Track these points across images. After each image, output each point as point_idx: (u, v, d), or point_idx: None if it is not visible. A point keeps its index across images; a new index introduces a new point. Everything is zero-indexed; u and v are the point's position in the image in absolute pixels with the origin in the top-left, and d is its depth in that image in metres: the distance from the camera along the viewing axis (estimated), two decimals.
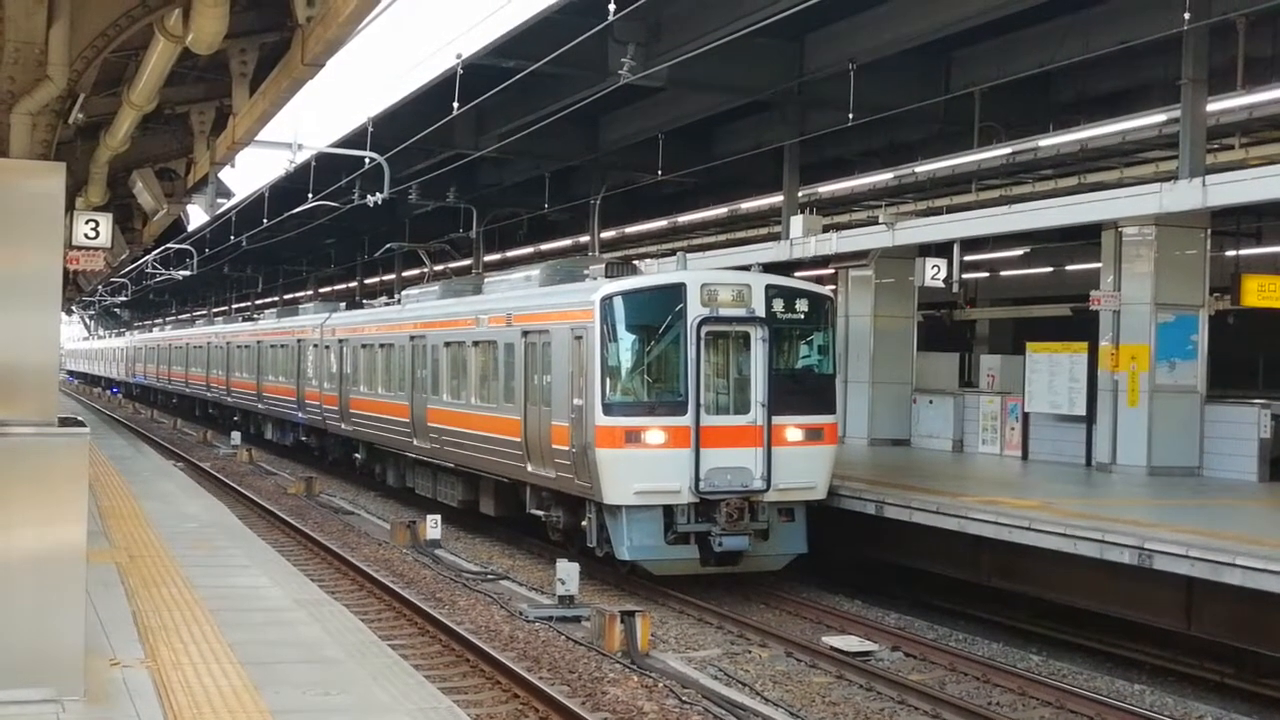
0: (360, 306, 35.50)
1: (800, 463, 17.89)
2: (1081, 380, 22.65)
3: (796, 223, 27.05)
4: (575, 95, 24.57)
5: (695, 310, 17.56)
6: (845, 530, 18.96)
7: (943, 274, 24.89)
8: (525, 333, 19.96)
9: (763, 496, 17.64)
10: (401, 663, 10.17)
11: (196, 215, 32.63)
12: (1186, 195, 18.93)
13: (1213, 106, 19.87)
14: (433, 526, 21.36)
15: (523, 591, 17.93)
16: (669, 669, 13.75)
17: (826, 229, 27.50)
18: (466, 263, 42.83)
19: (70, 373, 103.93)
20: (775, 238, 29.42)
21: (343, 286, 62.06)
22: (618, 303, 17.72)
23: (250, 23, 11.86)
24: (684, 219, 38.11)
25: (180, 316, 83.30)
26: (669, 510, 17.42)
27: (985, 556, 17.13)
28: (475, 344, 22.38)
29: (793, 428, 17.95)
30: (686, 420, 17.42)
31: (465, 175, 34.69)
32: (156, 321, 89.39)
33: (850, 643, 15.21)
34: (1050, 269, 34.35)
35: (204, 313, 72.50)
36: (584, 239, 38.00)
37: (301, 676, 9.31)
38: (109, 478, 22.74)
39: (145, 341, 70.66)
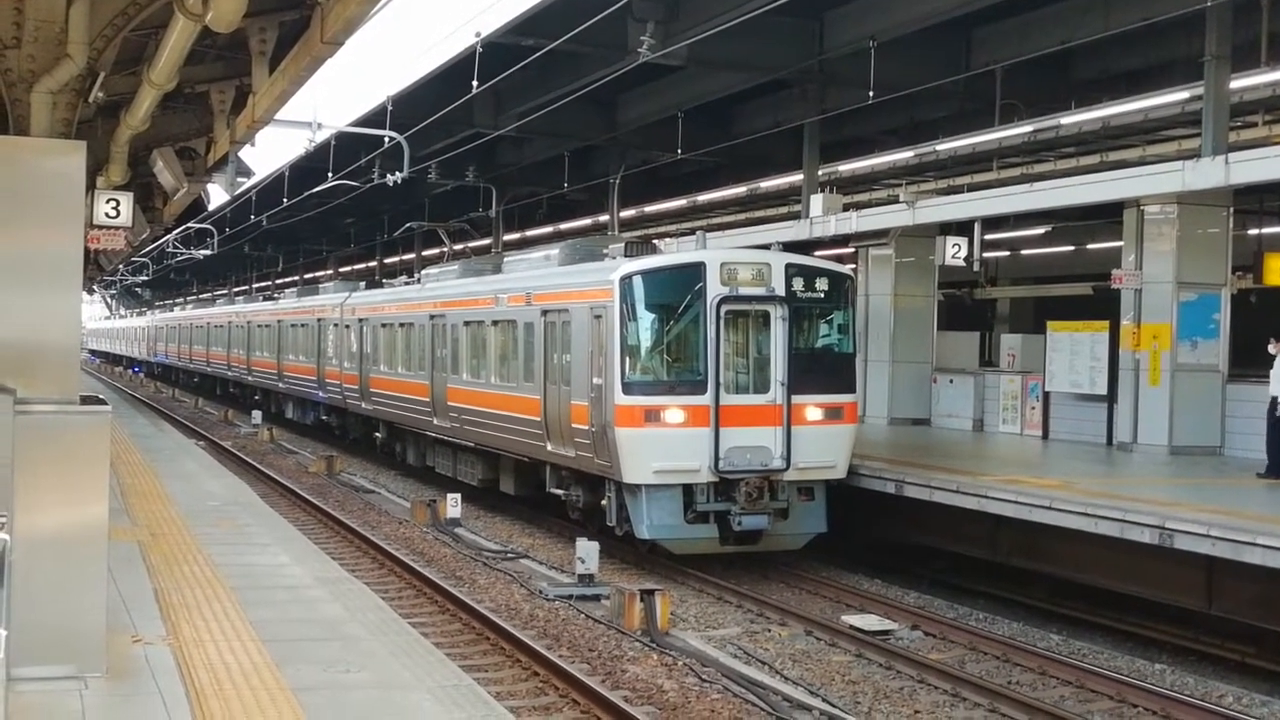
0: (380, 286, 35.55)
1: (820, 442, 17.87)
2: (1102, 359, 22.56)
3: (816, 201, 26.99)
4: (594, 74, 24.52)
5: (715, 289, 17.53)
6: (865, 509, 18.94)
7: (963, 253, 24.80)
8: (545, 312, 19.96)
9: (782, 475, 17.63)
10: (422, 640, 10.20)
11: (217, 194, 32.80)
12: (1209, 173, 18.82)
13: (1236, 84, 19.76)
14: (453, 505, 21.41)
15: (542, 570, 17.96)
16: (689, 647, 13.77)
17: (846, 208, 27.40)
18: (486, 242, 42.87)
19: (92, 352, 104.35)
20: (795, 217, 29.37)
21: (362, 266, 62.18)
22: (637, 282, 17.71)
23: (269, 1, 11.87)
24: (703, 198, 38.05)
25: (201, 296, 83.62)
26: (688, 489, 17.42)
27: (1005, 536, 17.10)
28: (495, 323, 22.39)
29: (812, 407, 17.93)
30: (706, 399, 17.40)
31: (484, 154, 34.68)
32: (177, 301, 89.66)
33: (870, 621, 15.21)
34: (1071, 247, 34.22)
35: (225, 292, 72.73)
36: (603, 218, 37.99)
37: (323, 654, 9.34)
38: (131, 456, 22.83)
39: (166, 321, 70.88)
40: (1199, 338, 21.08)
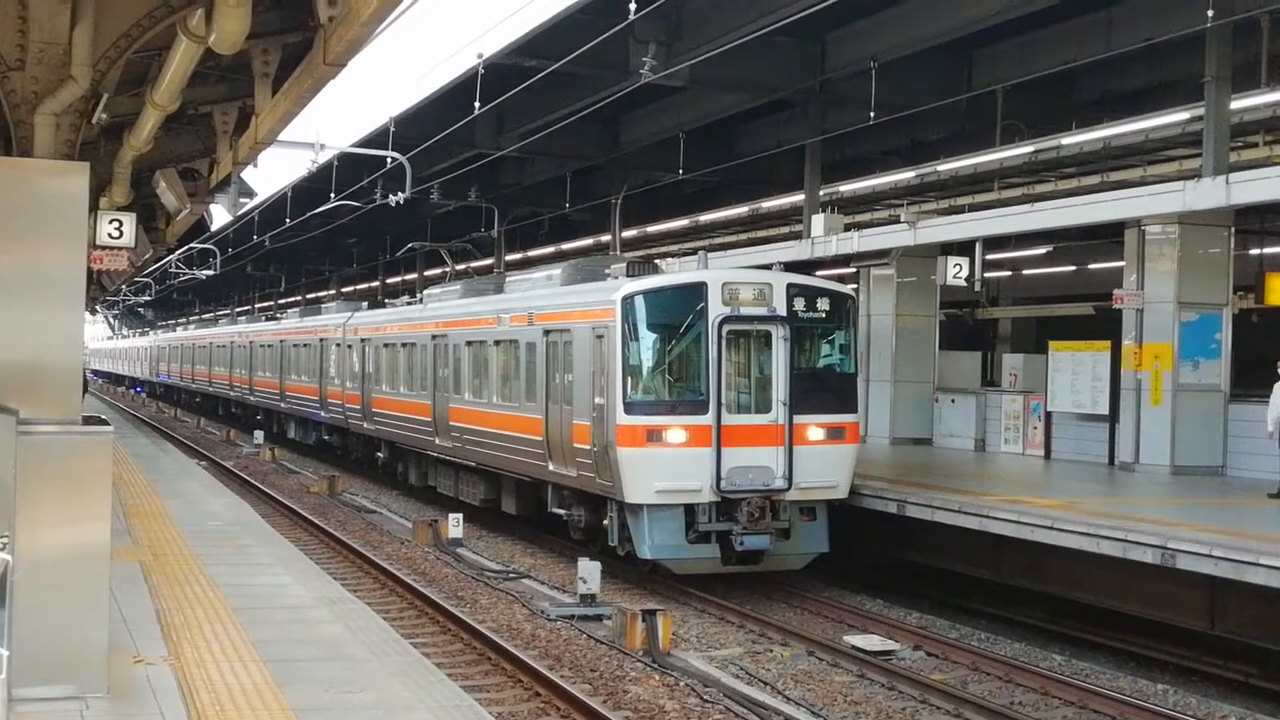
0: (382, 306, 35.59)
1: (822, 462, 17.86)
2: (1104, 379, 22.56)
3: (818, 221, 27.02)
4: (596, 94, 24.59)
5: (716, 309, 17.55)
6: (867, 529, 18.92)
7: (965, 272, 24.82)
8: (547, 332, 19.98)
9: (784, 495, 17.62)
10: (423, 661, 10.20)
11: (219, 215, 32.75)
12: (1210, 193, 18.85)
13: (1236, 104, 19.79)
14: (455, 525, 21.40)
15: (544, 590, 17.95)
16: (690, 668, 13.75)
17: (848, 228, 27.44)
18: (488, 262, 42.90)
19: (95, 372, 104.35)
20: (796, 237, 29.40)
21: (365, 286, 62.23)
22: (639, 302, 17.73)
23: (272, 23, 11.89)
24: (705, 218, 38.10)
25: (203, 316, 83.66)
26: (690, 509, 17.41)
27: (1008, 556, 17.08)
28: (497, 343, 22.41)
29: (814, 427, 17.92)
30: (708, 419, 17.41)
31: (487, 175, 34.76)
32: (180, 321, 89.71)
33: (872, 642, 15.18)
34: (1073, 267, 34.23)
35: (227, 312, 72.75)
36: (605, 238, 38.05)
37: (324, 674, 9.34)
38: (133, 476, 22.84)
39: (169, 341, 70.94)
40: (1200, 358, 21.08)
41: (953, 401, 26.86)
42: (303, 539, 21.38)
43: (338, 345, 33.86)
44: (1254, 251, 26.80)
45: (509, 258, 43.10)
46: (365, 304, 37.54)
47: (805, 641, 15.38)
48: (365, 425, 31.01)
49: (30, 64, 9.09)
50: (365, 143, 28.14)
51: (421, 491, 28.08)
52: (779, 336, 17.85)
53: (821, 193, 28.93)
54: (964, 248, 25.08)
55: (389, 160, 26.88)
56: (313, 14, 10.69)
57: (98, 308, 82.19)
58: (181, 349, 63.75)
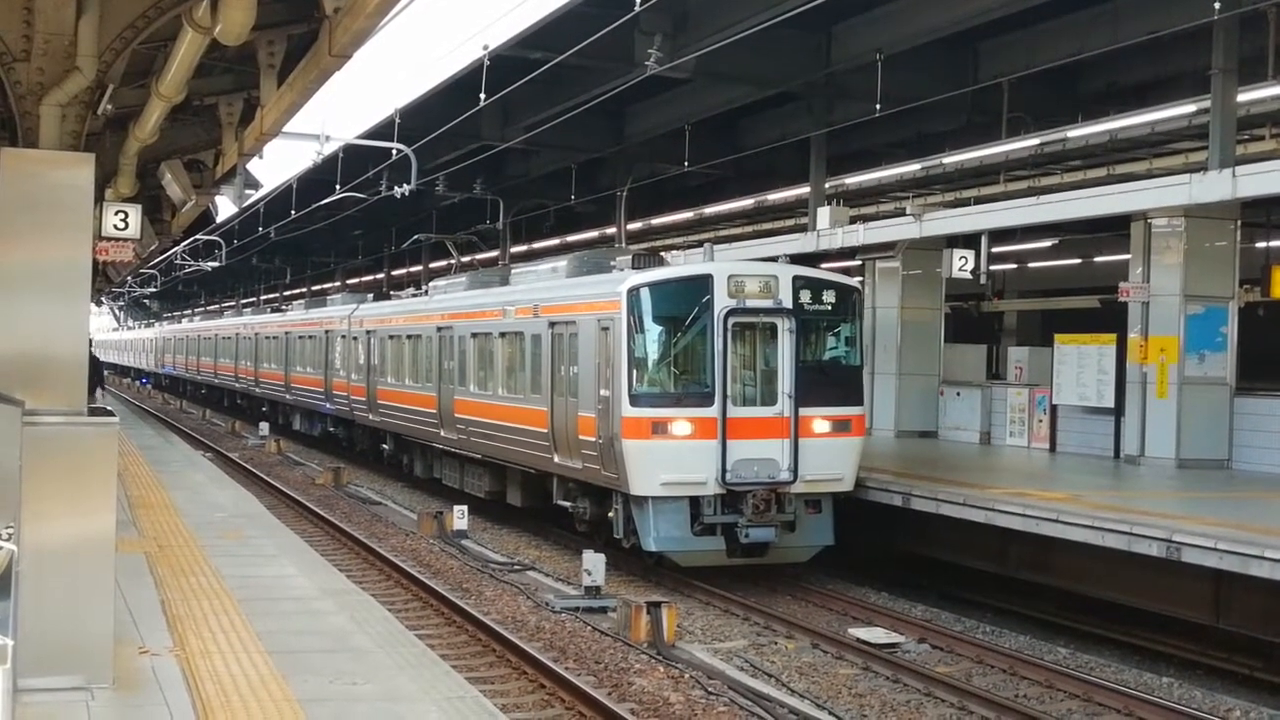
0: (388, 298, 35.59)
1: (827, 454, 17.86)
2: (1110, 372, 22.54)
3: (823, 214, 27.01)
4: (602, 86, 24.57)
5: (722, 301, 17.54)
6: (872, 522, 18.92)
7: (970, 265, 24.78)
8: (552, 324, 19.98)
9: (790, 488, 17.61)
10: (428, 652, 10.20)
11: (225, 207, 32.76)
12: (1216, 186, 18.82)
13: (1243, 97, 19.76)
14: (460, 517, 21.42)
15: (549, 582, 17.96)
16: (695, 660, 13.76)
17: (853, 220, 27.42)
18: (493, 254, 42.91)
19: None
20: (802, 229, 29.39)
21: (370, 278, 62.25)
22: (644, 294, 17.72)
23: (278, 14, 11.89)
24: (710, 210, 38.08)
25: (209, 308, 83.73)
26: (695, 501, 17.41)
27: (1013, 549, 17.08)
28: (502, 335, 22.41)
29: (820, 419, 17.91)
30: (713, 411, 17.40)
31: (492, 167, 34.74)
32: (185, 313, 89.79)
33: (876, 634, 15.19)
34: (1079, 260, 34.19)
35: (232, 304, 72.80)
36: (610, 230, 38.03)
37: (329, 665, 9.35)
38: (138, 467, 22.86)
39: (174, 332, 71.00)
40: (1206, 351, 21.05)
41: (958, 395, 26.85)
42: (308, 531, 21.40)
43: (343, 337, 33.88)
44: (1260, 244, 26.73)
45: (514, 250, 43.08)
46: (370, 296, 37.54)
47: (810, 634, 15.38)
48: (370, 417, 31.03)
49: (36, 55, 9.08)
50: (370, 134, 28.15)
51: (427, 484, 28.09)
52: (784, 329, 17.84)
53: (827, 185, 28.92)
54: (969, 240, 25.05)
55: (394, 152, 26.87)
56: (318, 5, 10.69)
57: (103, 299, 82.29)
58: (187, 341, 63.80)
